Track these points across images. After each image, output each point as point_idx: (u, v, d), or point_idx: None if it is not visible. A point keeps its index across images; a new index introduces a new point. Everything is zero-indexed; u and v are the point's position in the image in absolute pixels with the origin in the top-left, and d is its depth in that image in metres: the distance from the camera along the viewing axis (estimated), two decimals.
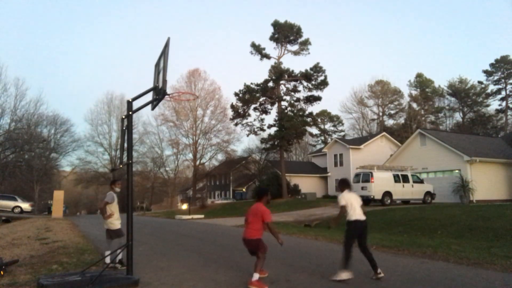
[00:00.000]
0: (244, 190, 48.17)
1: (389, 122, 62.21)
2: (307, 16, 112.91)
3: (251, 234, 5.38)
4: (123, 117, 6.10)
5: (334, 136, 62.67)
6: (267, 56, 36.30)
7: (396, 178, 22.33)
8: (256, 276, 5.14)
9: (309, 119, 36.76)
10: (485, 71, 57.07)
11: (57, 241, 10.91)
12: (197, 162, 52.96)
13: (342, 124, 67.42)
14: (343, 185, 6.02)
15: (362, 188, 22.08)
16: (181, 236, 12.98)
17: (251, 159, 49.25)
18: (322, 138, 68.16)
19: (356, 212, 5.68)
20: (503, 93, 56.08)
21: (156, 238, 12.15)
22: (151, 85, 6.58)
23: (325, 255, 7.72)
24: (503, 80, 56.03)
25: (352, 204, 5.72)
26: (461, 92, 57.98)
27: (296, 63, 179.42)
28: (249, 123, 37.05)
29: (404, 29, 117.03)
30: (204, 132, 52.22)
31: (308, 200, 30.07)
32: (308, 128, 46.58)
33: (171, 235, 13.22)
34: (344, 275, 5.44)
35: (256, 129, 37.17)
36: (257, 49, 35.91)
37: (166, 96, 6.11)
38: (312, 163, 48.13)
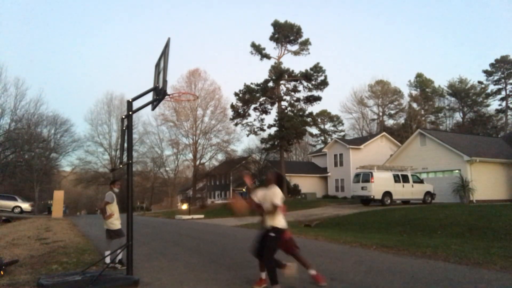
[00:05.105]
0: (244, 190, 48.09)
1: (389, 122, 62.17)
2: (307, 16, 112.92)
3: None
4: (123, 117, 6.09)
5: (334, 136, 62.64)
6: (267, 56, 36.32)
7: (396, 178, 22.31)
8: None
9: (309, 119, 36.77)
10: (485, 71, 57.04)
11: (57, 241, 10.92)
12: (197, 162, 52.95)
13: (342, 124, 67.42)
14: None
15: (362, 188, 22.11)
16: (181, 236, 12.98)
17: (251, 159, 49.22)
18: (322, 138, 68.10)
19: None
20: (503, 93, 56.04)
21: (156, 238, 12.15)
22: (151, 85, 6.59)
23: (325, 255, 7.71)
24: (503, 80, 55.98)
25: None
26: (461, 92, 57.94)
27: (296, 63, 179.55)
28: (249, 123, 37.14)
29: (404, 29, 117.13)
30: (204, 132, 52.25)
31: (308, 200, 30.10)
32: (308, 128, 46.58)
33: (171, 235, 13.22)
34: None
35: (256, 129, 37.23)
36: (257, 49, 35.93)
37: (166, 97, 6.11)
38: (312, 163, 48.11)
